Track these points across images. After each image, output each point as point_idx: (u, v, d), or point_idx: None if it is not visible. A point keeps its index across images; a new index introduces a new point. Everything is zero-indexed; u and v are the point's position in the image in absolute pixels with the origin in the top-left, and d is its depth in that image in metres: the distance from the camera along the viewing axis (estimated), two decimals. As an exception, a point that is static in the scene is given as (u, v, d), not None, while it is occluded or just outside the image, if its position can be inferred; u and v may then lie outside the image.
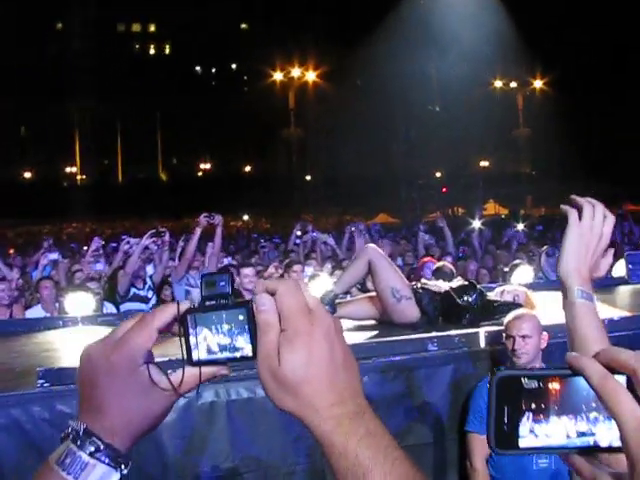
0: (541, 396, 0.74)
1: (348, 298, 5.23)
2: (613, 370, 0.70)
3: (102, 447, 0.84)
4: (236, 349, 0.86)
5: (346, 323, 4.68)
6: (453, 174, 37.62)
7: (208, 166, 53.14)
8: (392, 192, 34.56)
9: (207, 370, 0.88)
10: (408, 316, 4.58)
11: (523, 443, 0.74)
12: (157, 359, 0.89)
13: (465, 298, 4.53)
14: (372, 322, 4.83)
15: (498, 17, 34.11)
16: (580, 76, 38.15)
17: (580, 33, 36.13)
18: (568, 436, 0.73)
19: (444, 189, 36.31)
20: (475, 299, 4.53)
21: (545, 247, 8.26)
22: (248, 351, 0.85)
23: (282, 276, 7.57)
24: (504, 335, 3.72)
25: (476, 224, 12.11)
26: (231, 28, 50.39)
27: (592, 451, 0.74)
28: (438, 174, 40.58)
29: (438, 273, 5.91)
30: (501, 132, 41.54)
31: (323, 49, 39.86)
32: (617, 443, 0.70)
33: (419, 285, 4.76)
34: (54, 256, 8.24)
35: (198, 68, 55.74)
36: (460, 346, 3.91)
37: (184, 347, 0.87)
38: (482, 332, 3.96)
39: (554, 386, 0.74)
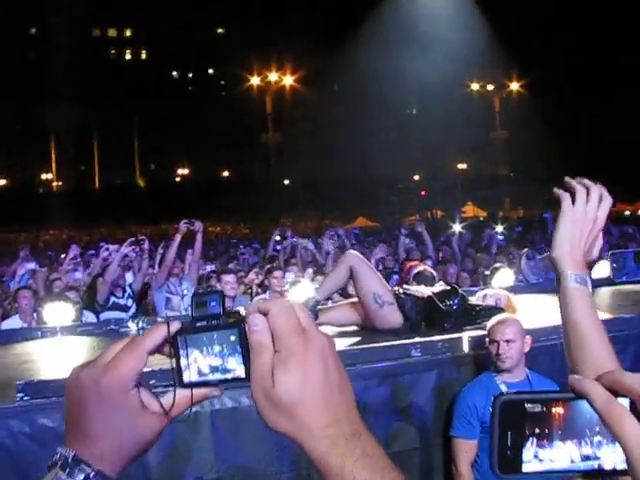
0: (544, 420, 0.73)
1: (330, 304, 5.21)
2: (616, 393, 0.69)
3: (92, 474, 0.82)
4: (228, 370, 0.84)
5: (328, 329, 4.67)
6: (431, 177, 37.77)
7: (186, 171, 52.96)
8: (371, 196, 34.62)
9: (198, 392, 0.86)
10: (390, 322, 4.58)
11: (527, 468, 0.74)
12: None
13: (447, 303, 4.54)
14: (355, 328, 4.82)
15: (475, 20, 34.34)
16: (568, 77, 38.52)
17: (568, 35, 36.46)
18: (572, 460, 0.73)
19: (423, 192, 36.44)
20: (457, 304, 4.54)
21: (525, 250, 8.31)
22: (240, 372, 0.84)
23: (262, 282, 7.54)
24: (487, 340, 3.73)
25: (456, 227, 12.15)
26: (207, 33, 50.32)
27: (596, 475, 0.74)
28: (416, 177, 40.73)
29: (419, 277, 5.90)
30: (478, 134, 41.82)
31: (300, 53, 39.86)
32: (621, 466, 0.70)
33: (401, 290, 4.76)
34: (32, 265, 8.15)
35: (175, 73, 55.58)
36: (444, 351, 3.92)
37: (175, 369, 0.85)
38: (465, 337, 3.97)
39: (557, 410, 0.73)
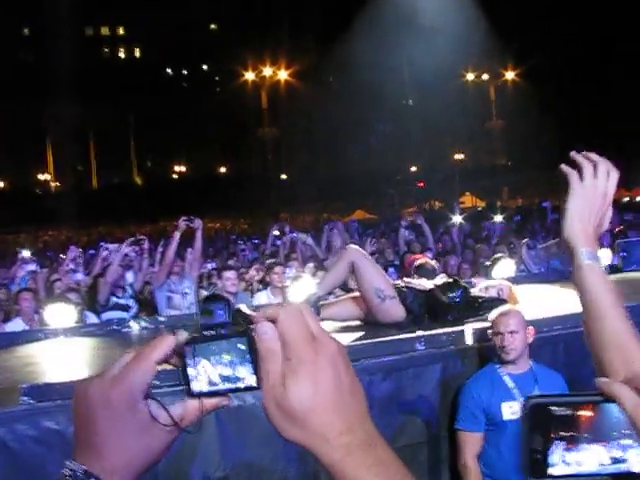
0: (572, 423, 0.72)
1: (331, 299, 5.20)
2: None
3: None
4: (237, 379, 0.84)
5: (331, 324, 4.66)
6: (429, 168, 37.75)
7: (183, 168, 52.95)
8: (369, 188, 34.60)
9: (208, 402, 0.86)
10: (393, 315, 4.56)
11: (555, 471, 0.73)
12: None
13: (450, 295, 4.53)
14: (357, 322, 4.81)
15: (472, 9, 34.22)
16: (567, 65, 38.47)
17: (567, 22, 36.39)
18: (600, 463, 0.72)
19: (421, 184, 36.41)
20: (460, 296, 4.53)
21: (526, 239, 8.30)
22: (250, 381, 0.83)
23: (263, 278, 7.53)
24: (490, 332, 3.72)
25: (456, 219, 12.12)
26: (201, 29, 50.20)
27: (625, 478, 0.73)
28: (414, 168, 40.70)
29: (420, 270, 5.89)
30: (475, 124, 41.78)
31: (294, 47, 39.80)
32: None
33: (403, 284, 4.75)
34: (32, 267, 8.13)
35: (169, 70, 55.46)
36: (448, 344, 3.91)
37: (184, 379, 0.84)
38: (469, 329, 3.96)
39: (585, 413, 0.72)
